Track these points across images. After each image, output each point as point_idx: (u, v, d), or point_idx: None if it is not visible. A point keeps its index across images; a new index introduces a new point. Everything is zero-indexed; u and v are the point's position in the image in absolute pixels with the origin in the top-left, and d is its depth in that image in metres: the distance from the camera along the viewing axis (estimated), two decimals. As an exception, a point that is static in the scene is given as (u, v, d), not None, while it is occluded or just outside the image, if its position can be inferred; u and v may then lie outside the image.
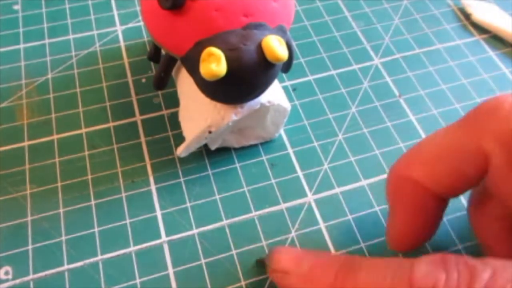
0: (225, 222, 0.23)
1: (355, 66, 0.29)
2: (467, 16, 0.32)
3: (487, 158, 0.17)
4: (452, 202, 0.20)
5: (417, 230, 0.19)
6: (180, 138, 0.25)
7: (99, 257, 0.22)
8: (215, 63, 0.19)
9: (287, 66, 0.23)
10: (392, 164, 0.20)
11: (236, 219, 0.23)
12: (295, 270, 0.18)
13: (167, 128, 0.26)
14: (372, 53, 0.30)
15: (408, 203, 0.19)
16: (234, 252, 0.22)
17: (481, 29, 0.31)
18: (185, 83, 0.24)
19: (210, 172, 0.24)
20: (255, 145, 0.25)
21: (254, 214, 0.23)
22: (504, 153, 0.16)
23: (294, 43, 0.29)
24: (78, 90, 0.27)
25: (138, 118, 0.26)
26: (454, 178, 0.18)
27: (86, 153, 0.25)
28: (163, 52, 0.22)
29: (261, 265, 0.21)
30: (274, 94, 0.23)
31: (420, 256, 0.15)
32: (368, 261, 0.17)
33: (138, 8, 0.31)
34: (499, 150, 0.16)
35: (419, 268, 0.15)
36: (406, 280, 0.15)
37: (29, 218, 0.23)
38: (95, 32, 0.30)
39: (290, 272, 0.18)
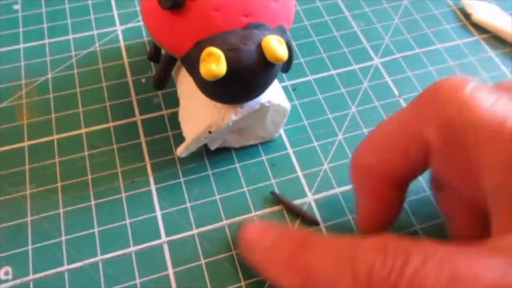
0: (225, 222, 0.23)
1: (355, 66, 0.29)
2: (467, 16, 0.32)
3: (428, 144, 0.17)
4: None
5: (379, 216, 0.20)
6: (180, 138, 0.25)
7: (99, 257, 0.22)
8: (215, 63, 0.19)
9: (287, 66, 0.23)
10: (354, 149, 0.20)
11: (236, 219, 0.23)
12: (258, 246, 0.19)
13: (167, 128, 0.26)
14: (372, 53, 0.30)
15: (367, 191, 0.20)
16: (234, 252, 0.22)
17: (481, 29, 0.31)
18: (185, 83, 0.24)
19: (210, 172, 0.24)
20: (255, 145, 0.25)
21: (254, 214, 0.23)
22: (441, 138, 0.17)
23: (294, 43, 0.29)
24: (78, 90, 0.27)
25: (138, 118, 0.26)
26: (402, 164, 0.18)
27: (86, 153, 0.25)
28: (163, 52, 0.22)
29: (274, 197, 0.23)
30: (274, 94, 0.23)
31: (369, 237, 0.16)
32: (321, 241, 0.17)
33: (138, 8, 0.31)
34: (436, 135, 0.17)
35: (362, 250, 0.16)
36: (349, 260, 0.16)
37: (29, 218, 0.23)
38: (95, 32, 0.30)
39: (254, 247, 0.19)
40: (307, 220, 0.23)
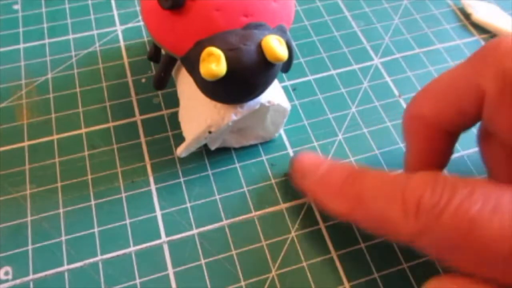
0: (225, 222, 0.23)
1: (355, 66, 0.29)
2: (467, 16, 0.32)
3: (483, 94, 0.18)
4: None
5: (429, 164, 0.20)
6: (180, 138, 0.25)
7: (99, 257, 0.22)
8: (215, 63, 0.19)
9: (287, 66, 0.23)
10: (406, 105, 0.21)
11: (236, 219, 0.23)
12: (311, 173, 0.21)
13: (167, 128, 0.26)
14: (372, 53, 0.30)
15: (420, 140, 0.20)
16: (234, 252, 0.22)
17: (481, 29, 0.31)
18: (185, 83, 0.24)
19: (210, 172, 0.24)
20: (255, 145, 0.25)
21: (254, 214, 0.23)
22: (497, 88, 0.17)
23: (294, 43, 0.29)
24: (78, 90, 0.27)
25: (138, 118, 0.26)
26: (456, 114, 0.19)
27: (86, 153, 0.25)
28: (163, 52, 0.22)
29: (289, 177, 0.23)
30: (274, 94, 0.23)
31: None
32: (373, 173, 0.19)
33: (138, 8, 0.31)
34: (493, 86, 0.17)
35: (413, 182, 0.17)
36: (400, 190, 0.17)
37: (29, 218, 0.23)
38: (95, 32, 0.30)
39: (307, 174, 0.21)
40: None
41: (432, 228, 0.16)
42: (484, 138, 0.21)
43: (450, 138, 0.20)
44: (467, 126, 0.20)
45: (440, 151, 0.20)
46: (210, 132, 0.22)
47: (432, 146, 0.20)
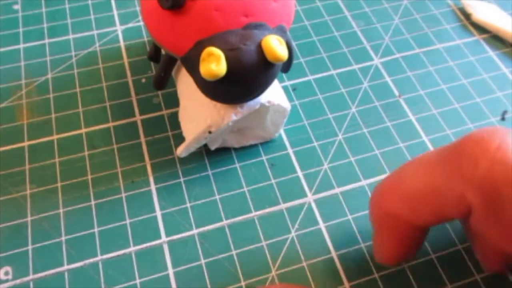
0: (225, 222, 0.23)
1: (355, 66, 0.29)
2: (467, 16, 0.32)
3: (470, 207, 0.16)
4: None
5: (401, 253, 0.20)
6: (180, 138, 0.25)
7: (99, 257, 0.22)
8: (215, 63, 0.19)
9: (287, 66, 0.23)
10: (373, 192, 0.20)
11: (236, 219, 0.23)
12: None
13: (167, 128, 0.26)
14: (372, 53, 0.30)
15: (391, 234, 0.19)
16: (234, 252, 0.22)
17: (481, 29, 0.31)
18: (185, 83, 0.24)
19: (210, 172, 0.24)
20: (255, 145, 0.25)
21: (254, 214, 0.23)
22: (485, 206, 0.16)
23: (294, 43, 0.29)
24: (78, 90, 0.27)
25: (138, 118, 0.26)
26: (435, 217, 0.18)
27: (86, 153, 0.25)
28: (163, 52, 0.22)
29: None
30: (274, 94, 0.23)
31: None
32: None
33: (138, 8, 0.31)
34: (480, 202, 0.16)
35: None
36: None
37: (29, 218, 0.23)
38: (95, 32, 0.30)
39: None
40: None
41: None
42: (469, 233, 0.20)
43: (424, 231, 0.19)
44: (443, 223, 0.19)
45: (414, 241, 0.20)
46: (210, 132, 0.22)
47: (406, 238, 0.19)
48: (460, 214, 0.17)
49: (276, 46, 0.19)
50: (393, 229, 0.19)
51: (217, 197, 0.24)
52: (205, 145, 0.25)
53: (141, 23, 0.30)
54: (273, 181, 0.24)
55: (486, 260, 0.20)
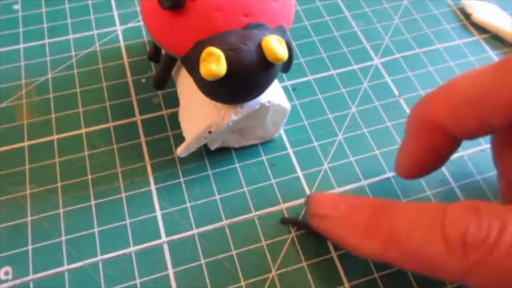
0: (225, 222, 0.23)
1: (355, 66, 0.29)
2: (467, 16, 0.32)
3: None
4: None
5: (427, 164, 0.20)
6: (180, 138, 0.25)
7: (99, 257, 0.22)
8: (215, 63, 0.19)
9: (287, 66, 0.23)
10: (418, 100, 0.19)
11: (236, 219, 0.23)
12: (332, 214, 0.19)
13: (167, 128, 0.26)
14: (372, 53, 0.30)
15: (425, 141, 0.19)
16: (234, 252, 0.22)
17: (481, 29, 0.31)
18: (185, 83, 0.24)
19: (210, 172, 0.24)
20: (255, 145, 0.25)
21: (254, 214, 0.23)
22: None
23: (294, 43, 0.29)
24: (78, 90, 0.27)
25: (138, 118, 0.26)
26: (479, 125, 0.18)
27: (86, 153, 0.25)
28: (163, 52, 0.22)
29: (285, 223, 0.22)
30: (274, 94, 0.23)
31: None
32: (403, 205, 0.17)
33: (138, 8, 0.31)
34: None
35: (452, 213, 0.15)
36: (439, 223, 0.15)
37: (29, 218, 0.23)
38: (95, 32, 0.30)
39: (327, 216, 0.19)
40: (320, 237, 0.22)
41: (485, 265, 0.14)
42: (503, 144, 0.20)
43: (456, 143, 0.19)
44: (484, 135, 0.19)
45: (443, 154, 0.19)
46: (210, 132, 0.22)
47: (437, 149, 0.19)
48: (506, 120, 0.17)
49: (276, 46, 0.19)
50: (430, 136, 0.19)
51: (217, 197, 0.24)
52: (205, 145, 0.25)
53: (141, 23, 0.30)
54: (273, 181, 0.24)
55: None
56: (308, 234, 0.22)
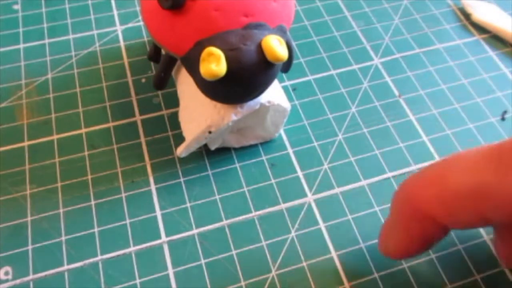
0: (225, 222, 0.23)
1: (355, 66, 0.29)
2: (467, 16, 0.32)
3: None
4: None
5: (413, 250, 0.19)
6: (180, 138, 0.25)
7: (99, 257, 0.22)
8: (215, 63, 0.19)
9: (287, 66, 0.23)
10: (405, 183, 0.18)
11: (236, 219, 0.23)
12: None
13: (167, 128, 0.26)
14: (372, 53, 0.30)
15: (415, 231, 0.18)
16: (234, 252, 0.22)
17: (481, 29, 0.31)
18: (185, 83, 0.24)
19: (210, 172, 0.24)
20: (255, 145, 0.25)
21: (254, 214, 0.23)
22: None
23: (294, 43, 0.29)
24: (78, 90, 0.27)
25: (138, 118, 0.26)
26: (475, 220, 0.17)
27: (86, 153, 0.25)
28: (163, 52, 0.22)
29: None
30: (274, 94, 0.23)
31: None
32: None
33: (138, 8, 0.31)
34: None
35: None
36: None
37: (29, 218, 0.23)
38: (95, 32, 0.30)
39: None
40: None
41: None
42: (503, 239, 0.19)
43: (448, 231, 0.18)
44: (477, 227, 0.18)
45: (430, 244, 0.19)
46: (210, 132, 0.22)
47: (425, 239, 0.18)
48: (508, 216, 0.16)
49: (276, 46, 0.19)
50: (420, 227, 0.18)
51: (217, 197, 0.24)
52: (205, 145, 0.25)
53: (141, 23, 0.30)
54: (273, 181, 0.24)
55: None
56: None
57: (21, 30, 0.30)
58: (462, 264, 0.22)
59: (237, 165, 0.25)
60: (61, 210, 0.23)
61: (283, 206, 0.23)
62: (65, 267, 0.21)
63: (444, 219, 0.17)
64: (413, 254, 0.19)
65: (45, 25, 0.30)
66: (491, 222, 0.17)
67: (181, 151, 0.23)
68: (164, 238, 0.22)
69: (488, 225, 0.17)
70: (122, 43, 0.29)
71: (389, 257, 0.20)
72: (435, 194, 0.17)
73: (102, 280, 0.21)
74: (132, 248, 0.22)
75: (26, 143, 0.25)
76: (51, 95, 0.27)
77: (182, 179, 0.24)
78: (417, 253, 0.19)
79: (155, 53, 0.25)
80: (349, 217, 0.23)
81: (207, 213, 0.23)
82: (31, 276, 0.21)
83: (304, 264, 0.22)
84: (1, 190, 0.23)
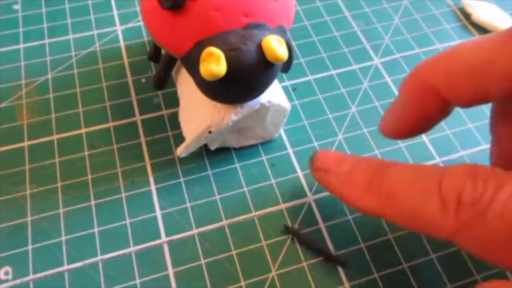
0: (225, 222, 0.23)
1: (355, 66, 0.29)
2: (467, 16, 0.32)
3: None
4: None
5: (414, 129, 0.19)
6: (180, 138, 0.25)
7: (99, 257, 0.22)
8: (215, 63, 0.19)
9: (287, 66, 0.23)
10: (418, 62, 0.19)
11: (236, 219, 0.23)
12: (335, 170, 0.20)
13: (167, 128, 0.26)
14: (372, 53, 0.30)
15: (416, 104, 0.19)
16: (234, 252, 0.22)
17: (481, 29, 0.31)
18: (185, 83, 0.24)
19: (210, 172, 0.24)
20: (255, 145, 0.25)
21: (254, 214, 0.23)
22: None
23: (294, 43, 0.29)
24: (78, 90, 0.27)
25: (138, 118, 0.26)
26: (475, 93, 0.17)
27: (86, 153, 0.25)
28: (163, 52, 0.22)
29: (285, 231, 0.22)
30: (274, 94, 0.23)
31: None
32: (403, 166, 0.18)
33: (138, 8, 0.31)
34: None
35: (450, 175, 0.16)
36: (436, 183, 0.16)
37: (29, 218, 0.23)
38: (95, 32, 0.30)
39: (331, 170, 0.20)
40: (330, 259, 0.22)
41: (474, 226, 0.15)
42: (499, 114, 0.20)
43: (446, 112, 0.19)
44: (476, 104, 0.18)
45: (434, 119, 0.19)
46: (210, 132, 0.22)
47: (429, 114, 0.19)
48: (505, 91, 0.16)
49: (276, 46, 0.19)
50: (422, 100, 0.18)
51: (217, 197, 0.24)
52: (205, 145, 0.25)
53: (141, 23, 0.30)
54: (273, 181, 0.24)
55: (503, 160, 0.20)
56: (300, 245, 0.22)
57: (21, 30, 0.30)
58: (462, 264, 0.22)
59: (237, 165, 0.25)
60: (61, 210, 0.23)
61: (283, 206, 0.23)
62: (65, 267, 0.21)
63: (448, 90, 0.18)
64: (407, 132, 0.20)
65: (45, 25, 0.30)
66: (490, 96, 0.17)
67: (181, 151, 0.23)
68: (164, 238, 0.22)
69: (488, 102, 0.18)
70: (122, 43, 0.29)
71: (385, 135, 0.21)
72: (443, 66, 0.18)
73: (102, 280, 0.21)
74: (132, 248, 0.22)
75: (26, 143, 0.25)
76: (51, 95, 0.27)
77: (182, 179, 0.24)
78: (411, 132, 0.20)
79: (155, 53, 0.25)
80: (349, 217, 0.23)
81: (207, 213, 0.23)
82: (31, 276, 0.21)
83: (304, 264, 0.22)
84: (1, 190, 0.23)
